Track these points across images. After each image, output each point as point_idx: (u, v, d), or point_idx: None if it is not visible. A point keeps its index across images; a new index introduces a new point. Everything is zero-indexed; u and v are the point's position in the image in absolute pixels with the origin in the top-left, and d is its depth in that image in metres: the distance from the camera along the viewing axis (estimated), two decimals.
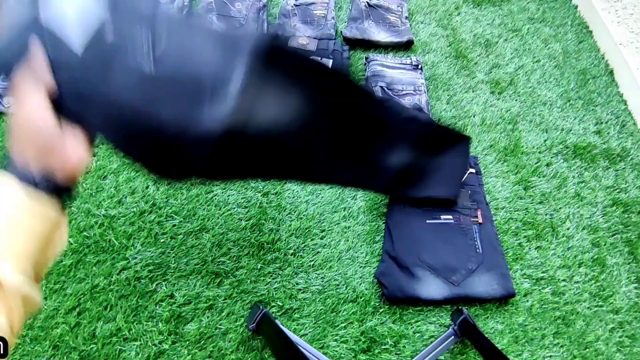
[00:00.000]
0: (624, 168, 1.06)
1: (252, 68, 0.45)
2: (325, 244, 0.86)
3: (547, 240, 0.92)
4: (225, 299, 0.77)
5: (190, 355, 0.71)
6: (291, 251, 0.84)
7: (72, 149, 0.37)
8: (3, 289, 0.30)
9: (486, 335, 0.73)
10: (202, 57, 0.44)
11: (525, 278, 0.86)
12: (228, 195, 0.90)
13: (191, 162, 0.50)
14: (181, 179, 0.56)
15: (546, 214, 0.96)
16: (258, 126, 0.50)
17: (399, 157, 0.80)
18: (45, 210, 0.34)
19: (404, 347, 0.75)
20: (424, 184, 0.90)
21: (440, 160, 0.91)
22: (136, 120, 0.42)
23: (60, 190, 0.36)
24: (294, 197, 0.92)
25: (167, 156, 0.48)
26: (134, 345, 0.71)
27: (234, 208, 0.89)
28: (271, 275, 0.81)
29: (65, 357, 0.69)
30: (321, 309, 0.78)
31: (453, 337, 0.74)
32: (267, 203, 0.90)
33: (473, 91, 1.18)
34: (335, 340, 0.75)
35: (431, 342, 0.75)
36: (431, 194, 0.89)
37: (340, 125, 0.63)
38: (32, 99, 0.35)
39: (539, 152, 1.07)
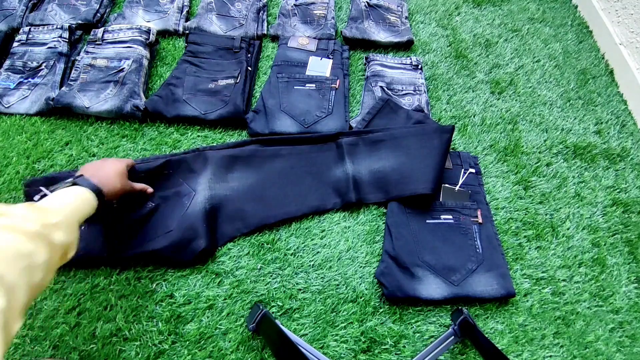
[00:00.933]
0: (624, 168, 1.06)
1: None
2: (325, 244, 0.86)
3: (547, 240, 0.92)
4: (225, 299, 0.77)
5: (190, 355, 0.71)
6: (291, 251, 0.84)
7: (123, 187, 0.73)
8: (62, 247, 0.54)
9: (486, 335, 0.73)
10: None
11: (525, 278, 0.86)
12: None
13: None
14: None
15: (546, 214, 0.96)
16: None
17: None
18: (94, 202, 0.64)
19: (404, 347, 0.75)
20: (398, 183, 0.91)
21: (415, 156, 0.92)
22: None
23: (102, 196, 0.66)
24: None
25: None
26: (134, 345, 0.71)
27: None
28: (271, 275, 0.81)
29: (65, 357, 0.69)
30: (321, 309, 0.78)
31: (453, 337, 0.74)
32: None
33: (473, 91, 1.18)
34: (335, 340, 0.75)
35: (431, 342, 0.75)
36: (405, 192, 0.89)
37: None
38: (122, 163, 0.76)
39: (539, 152, 1.07)
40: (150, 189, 0.82)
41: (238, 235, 0.85)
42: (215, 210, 0.86)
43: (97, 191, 0.65)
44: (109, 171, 0.71)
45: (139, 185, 0.79)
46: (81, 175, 0.67)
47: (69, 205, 0.59)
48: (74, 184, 0.64)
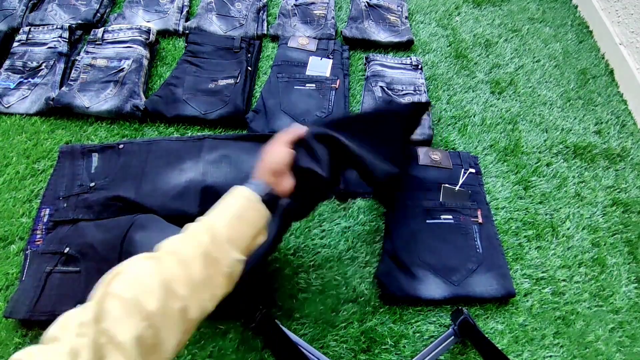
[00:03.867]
0: (624, 168, 1.06)
1: None
2: (325, 244, 0.86)
3: (547, 240, 0.92)
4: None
5: (190, 355, 0.71)
6: (291, 251, 0.84)
7: (288, 181, 0.56)
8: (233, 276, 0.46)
9: (486, 335, 0.73)
10: None
11: (525, 278, 0.86)
12: None
13: None
14: None
15: (546, 214, 0.96)
16: None
17: None
18: (264, 209, 0.51)
19: (404, 347, 0.75)
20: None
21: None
22: None
23: (274, 199, 0.53)
24: None
25: None
26: None
27: None
28: (271, 275, 0.81)
29: None
30: (321, 309, 0.78)
31: (453, 337, 0.74)
32: None
33: (473, 91, 1.18)
34: (335, 340, 0.75)
35: (431, 342, 0.75)
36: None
37: None
38: (282, 147, 0.57)
39: (539, 152, 1.07)
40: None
41: None
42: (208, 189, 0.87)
43: (269, 197, 0.52)
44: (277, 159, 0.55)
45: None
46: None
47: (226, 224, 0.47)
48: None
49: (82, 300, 0.61)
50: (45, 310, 0.69)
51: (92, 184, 0.86)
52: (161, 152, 0.91)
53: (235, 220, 0.48)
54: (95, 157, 0.90)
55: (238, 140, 0.96)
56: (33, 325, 0.71)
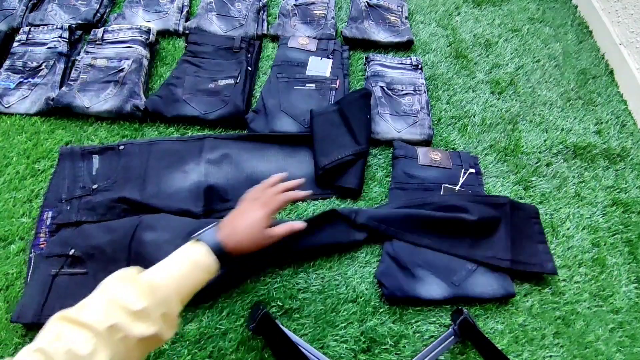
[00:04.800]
0: (624, 168, 1.06)
1: None
2: None
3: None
4: (225, 299, 0.77)
5: (190, 355, 0.71)
6: None
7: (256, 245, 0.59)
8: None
9: (486, 335, 0.73)
10: None
11: (525, 278, 0.86)
12: None
13: None
14: None
15: (546, 214, 0.96)
16: None
17: None
18: (213, 267, 0.54)
19: (404, 347, 0.75)
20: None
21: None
22: None
23: (227, 258, 0.56)
24: None
25: None
26: None
27: None
28: (271, 275, 0.81)
29: None
30: (321, 309, 0.78)
31: (453, 337, 0.74)
32: None
33: (473, 91, 1.18)
34: (335, 340, 0.75)
35: (431, 342, 0.75)
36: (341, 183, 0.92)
37: None
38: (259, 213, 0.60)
39: (539, 152, 1.07)
40: (298, 225, 0.63)
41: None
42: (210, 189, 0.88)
43: (220, 252, 0.55)
44: (247, 223, 0.58)
45: (282, 229, 0.62)
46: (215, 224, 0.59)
47: (168, 282, 0.50)
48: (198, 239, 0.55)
49: None
50: (53, 314, 0.69)
51: (95, 186, 0.86)
52: (162, 153, 0.91)
53: (176, 290, 0.51)
54: (95, 159, 0.90)
55: (238, 140, 0.96)
56: (33, 326, 0.70)
